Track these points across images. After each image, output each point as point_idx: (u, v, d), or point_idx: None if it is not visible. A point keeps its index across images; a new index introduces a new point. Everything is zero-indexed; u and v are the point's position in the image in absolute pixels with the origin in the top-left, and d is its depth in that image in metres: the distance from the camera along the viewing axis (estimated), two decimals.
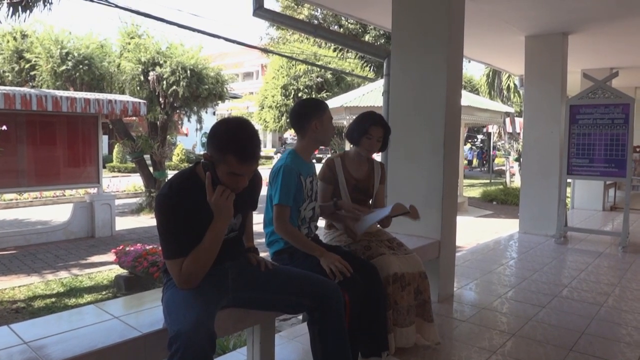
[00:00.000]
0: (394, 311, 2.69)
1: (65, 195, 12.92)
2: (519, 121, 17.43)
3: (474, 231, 9.02)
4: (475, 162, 29.01)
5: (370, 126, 2.89)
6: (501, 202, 13.56)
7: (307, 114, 2.54)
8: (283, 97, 16.78)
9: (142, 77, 11.20)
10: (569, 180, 7.05)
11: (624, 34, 6.31)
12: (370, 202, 3.08)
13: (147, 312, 2.09)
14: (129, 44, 11.67)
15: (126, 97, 9.44)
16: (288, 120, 16.38)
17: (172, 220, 1.82)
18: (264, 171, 2.38)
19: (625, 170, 5.62)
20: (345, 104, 11.51)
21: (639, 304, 3.82)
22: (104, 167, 13.83)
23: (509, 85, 20.36)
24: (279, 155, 31.59)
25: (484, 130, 26.17)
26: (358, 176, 2.98)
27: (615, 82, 6.52)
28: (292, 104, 16.49)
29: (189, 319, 1.68)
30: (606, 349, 2.98)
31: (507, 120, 17.89)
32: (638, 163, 8.86)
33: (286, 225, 2.46)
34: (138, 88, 11.26)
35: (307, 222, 2.62)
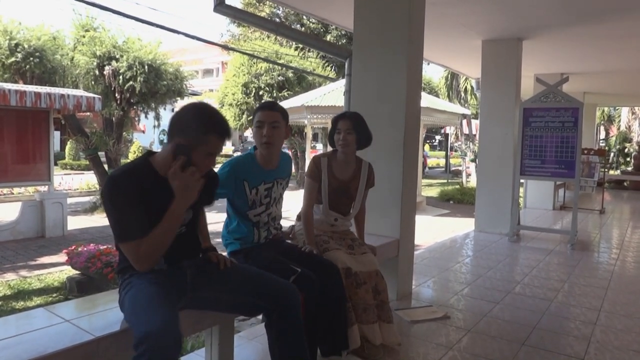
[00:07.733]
0: (353, 306, 2.67)
1: (13, 194, 12.34)
2: (475, 123, 17.94)
3: (432, 230, 9.20)
4: None
5: (337, 121, 2.95)
6: (458, 201, 13.90)
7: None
8: (244, 95, 16.60)
9: (97, 72, 10.86)
10: (521, 181, 7.30)
11: (574, 41, 6.60)
12: (353, 205, 3.03)
13: (101, 315, 2.02)
14: (84, 36, 11.29)
15: (80, 92, 9.09)
16: (250, 118, 16.16)
17: (127, 201, 1.80)
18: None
19: (574, 171, 5.88)
20: (306, 103, 11.53)
21: (587, 299, 4.01)
22: (56, 164, 13.27)
23: (466, 87, 20.90)
24: (238, 153, 31.28)
25: (442, 131, 26.76)
26: (342, 177, 2.96)
27: (566, 87, 6.80)
28: (253, 102, 16.33)
29: (157, 319, 1.65)
30: (556, 343, 3.10)
31: (464, 121, 18.38)
32: (586, 165, 9.27)
33: None
34: (93, 82, 10.91)
35: (266, 225, 2.58)
